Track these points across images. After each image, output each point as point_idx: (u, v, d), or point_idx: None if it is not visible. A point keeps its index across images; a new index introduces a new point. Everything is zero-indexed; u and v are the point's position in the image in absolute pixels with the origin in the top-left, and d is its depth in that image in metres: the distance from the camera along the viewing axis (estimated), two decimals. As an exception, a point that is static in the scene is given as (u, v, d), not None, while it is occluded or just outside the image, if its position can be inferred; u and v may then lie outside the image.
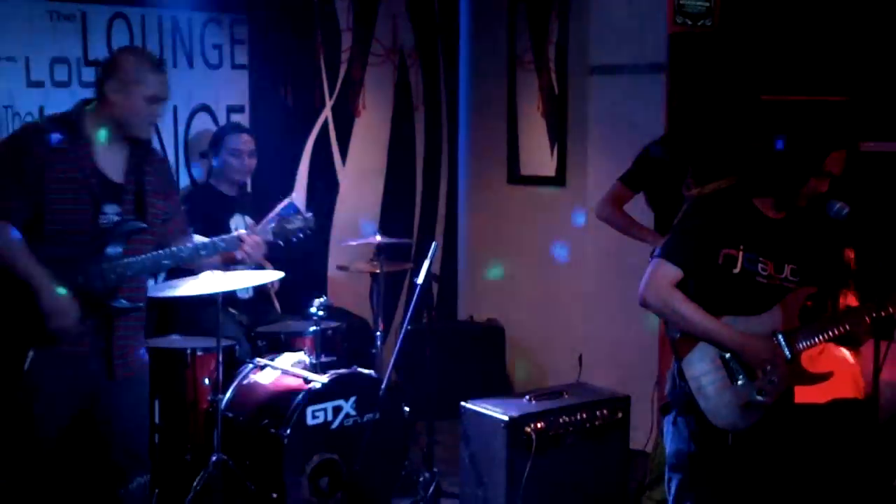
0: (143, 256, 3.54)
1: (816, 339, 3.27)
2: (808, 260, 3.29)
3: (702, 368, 3.21)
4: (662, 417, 3.40)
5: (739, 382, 3.19)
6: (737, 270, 3.20)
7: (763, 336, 3.22)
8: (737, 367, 3.20)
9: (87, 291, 3.44)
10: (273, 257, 5.28)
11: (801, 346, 3.25)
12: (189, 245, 3.67)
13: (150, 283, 5.14)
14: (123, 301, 3.52)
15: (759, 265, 3.22)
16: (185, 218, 3.84)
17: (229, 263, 3.89)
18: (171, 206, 3.73)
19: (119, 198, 3.52)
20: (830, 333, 3.29)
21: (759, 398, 3.18)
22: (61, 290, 3.38)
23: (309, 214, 3.88)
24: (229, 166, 5.13)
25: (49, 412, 3.50)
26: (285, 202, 3.86)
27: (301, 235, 3.86)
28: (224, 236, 3.73)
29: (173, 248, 3.62)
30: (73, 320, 3.42)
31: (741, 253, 3.21)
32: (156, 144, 5.22)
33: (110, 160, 3.54)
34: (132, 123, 3.52)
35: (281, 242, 3.84)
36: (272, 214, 3.82)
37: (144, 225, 3.55)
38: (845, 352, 4.27)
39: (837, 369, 4.04)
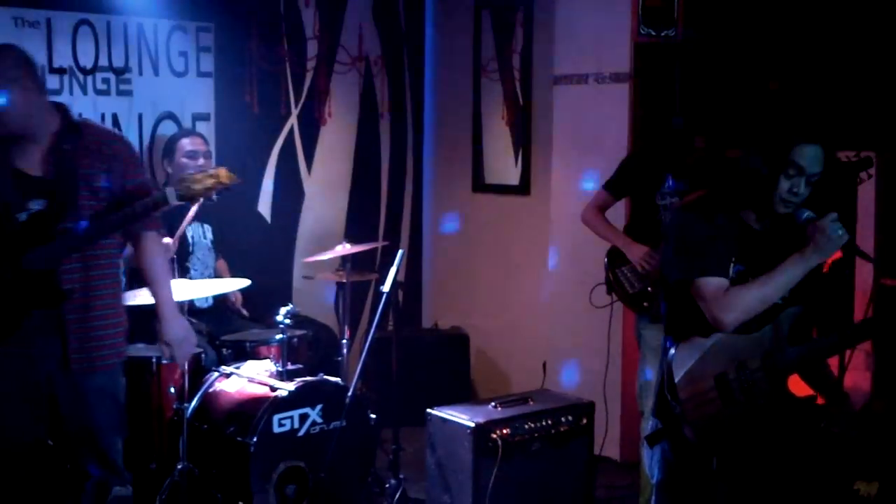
0: (62, 236, 3.48)
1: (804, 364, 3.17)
2: None
3: (699, 388, 3.11)
4: (650, 447, 3.28)
5: (740, 400, 3.10)
6: None
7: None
8: (735, 387, 3.11)
9: (15, 286, 3.45)
10: (238, 264, 5.32)
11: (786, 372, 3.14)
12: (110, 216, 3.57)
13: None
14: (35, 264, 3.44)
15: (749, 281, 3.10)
16: (147, 183, 3.74)
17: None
18: (115, 181, 3.61)
19: (42, 191, 3.51)
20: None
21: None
22: None
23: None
24: (186, 169, 5.11)
25: (6, 412, 3.52)
26: None
27: (213, 195, 3.66)
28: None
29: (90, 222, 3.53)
30: None
31: (731, 266, 3.10)
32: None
33: (27, 156, 3.53)
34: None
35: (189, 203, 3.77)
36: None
37: (62, 213, 3.50)
38: None
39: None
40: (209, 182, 3.55)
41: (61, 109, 3.64)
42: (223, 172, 3.57)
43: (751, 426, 3.13)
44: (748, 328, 3.13)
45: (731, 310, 3.04)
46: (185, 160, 5.11)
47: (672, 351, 3.15)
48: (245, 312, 5.32)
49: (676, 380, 3.10)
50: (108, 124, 5.16)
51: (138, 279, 4.72)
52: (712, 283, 3.07)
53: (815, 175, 3.06)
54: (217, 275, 5.27)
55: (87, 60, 5.07)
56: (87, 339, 3.58)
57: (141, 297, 4.33)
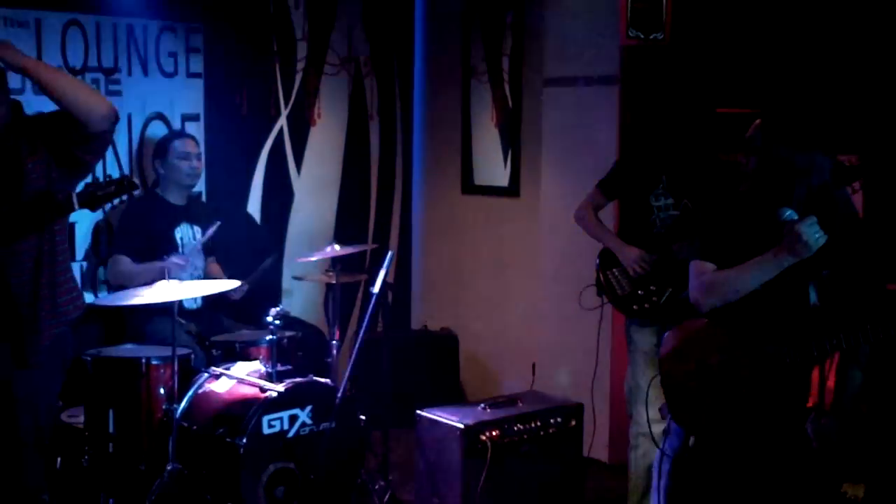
0: None
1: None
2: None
3: (681, 366, 3.22)
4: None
5: (719, 386, 3.19)
6: None
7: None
8: (715, 374, 3.19)
9: None
10: (227, 265, 5.32)
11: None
12: None
13: (103, 292, 5.16)
14: None
15: None
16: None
17: None
18: (43, 151, 3.61)
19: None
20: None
21: None
22: None
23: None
24: (178, 170, 5.13)
25: None
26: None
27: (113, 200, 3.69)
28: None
29: None
30: None
31: None
32: (109, 152, 5.21)
33: None
34: None
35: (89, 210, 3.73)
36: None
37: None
38: None
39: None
40: (111, 189, 3.60)
41: (14, 105, 3.65)
42: (126, 181, 3.64)
43: (726, 413, 3.19)
44: (746, 320, 3.17)
45: (706, 292, 3.19)
46: (177, 161, 5.12)
47: (667, 333, 3.30)
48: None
49: (663, 354, 3.25)
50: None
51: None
52: (704, 266, 3.21)
53: (755, 143, 3.20)
54: (210, 277, 5.26)
55: (76, 61, 5.06)
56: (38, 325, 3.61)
57: (128, 298, 4.33)
